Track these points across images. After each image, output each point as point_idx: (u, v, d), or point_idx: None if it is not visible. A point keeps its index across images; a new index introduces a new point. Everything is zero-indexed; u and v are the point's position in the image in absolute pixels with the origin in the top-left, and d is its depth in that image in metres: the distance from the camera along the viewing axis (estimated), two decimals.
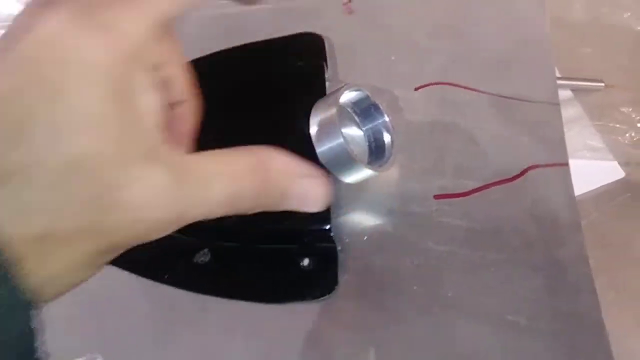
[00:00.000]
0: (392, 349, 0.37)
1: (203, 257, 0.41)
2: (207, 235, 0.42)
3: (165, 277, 0.41)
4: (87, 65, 0.20)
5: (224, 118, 0.45)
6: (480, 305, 0.38)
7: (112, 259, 0.23)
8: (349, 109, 0.42)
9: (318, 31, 0.45)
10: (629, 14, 0.51)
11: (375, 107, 0.41)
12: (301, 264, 0.40)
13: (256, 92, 0.45)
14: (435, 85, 0.43)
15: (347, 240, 0.40)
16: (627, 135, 0.48)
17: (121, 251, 0.23)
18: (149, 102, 0.22)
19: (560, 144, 0.40)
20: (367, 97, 0.41)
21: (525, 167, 0.40)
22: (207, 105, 0.45)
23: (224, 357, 0.38)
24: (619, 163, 0.48)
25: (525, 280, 0.38)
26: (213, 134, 0.44)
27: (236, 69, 0.46)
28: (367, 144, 0.42)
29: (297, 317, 0.39)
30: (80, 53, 0.20)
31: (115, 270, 0.41)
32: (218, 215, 0.24)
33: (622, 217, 0.46)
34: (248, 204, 0.25)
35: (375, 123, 0.41)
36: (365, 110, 0.42)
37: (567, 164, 0.40)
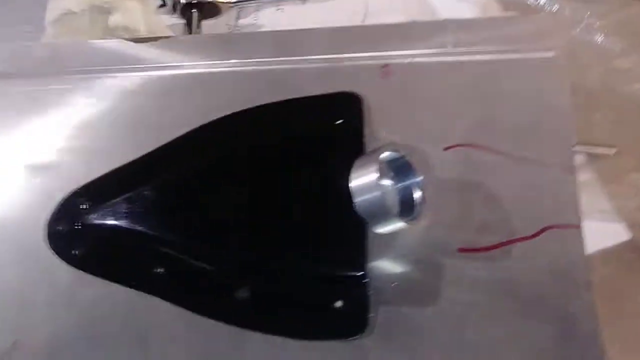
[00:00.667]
0: None
1: (244, 293, 0.45)
2: (249, 273, 0.46)
3: (206, 310, 0.45)
4: None
5: (265, 169, 0.49)
6: (497, 353, 0.42)
7: None
8: (385, 166, 0.46)
9: (356, 90, 0.49)
10: (639, 85, 0.54)
11: (410, 166, 0.45)
12: (335, 305, 0.43)
13: (297, 145, 0.49)
14: (462, 147, 0.47)
15: (377, 285, 0.43)
16: (634, 200, 0.52)
17: None
18: None
19: (574, 208, 0.44)
20: (403, 157, 0.45)
21: (542, 226, 0.44)
22: (250, 157, 0.49)
23: None
24: (625, 225, 0.51)
25: (538, 331, 0.41)
26: (256, 184, 0.48)
27: (277, 122, 0.50)
28: (399, 198, 0.46)
29: (328, 354, 0.43)
30: None
31: (158, 301, 0.45)
32: None
33: (626, 275, 0.49)
34: None
35: (409, 181, 0.45)
36: (400, 168, 0.45)
37: (580, 227, 0.43)
